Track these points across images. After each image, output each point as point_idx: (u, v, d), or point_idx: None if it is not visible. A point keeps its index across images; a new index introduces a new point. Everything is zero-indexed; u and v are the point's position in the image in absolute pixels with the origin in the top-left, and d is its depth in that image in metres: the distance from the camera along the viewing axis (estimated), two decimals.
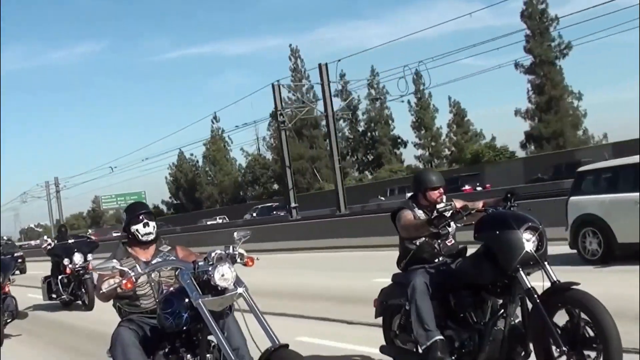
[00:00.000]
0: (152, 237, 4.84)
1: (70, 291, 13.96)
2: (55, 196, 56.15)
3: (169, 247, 4.94)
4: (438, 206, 5.10)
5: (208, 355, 4.20)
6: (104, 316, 5.22)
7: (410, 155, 59.95)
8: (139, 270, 4.18)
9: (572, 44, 43.50)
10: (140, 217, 4.81)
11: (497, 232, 4.73)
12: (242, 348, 4.34)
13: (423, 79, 45.49)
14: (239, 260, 4.20)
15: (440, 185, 5.38)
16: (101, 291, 4.47)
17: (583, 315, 4.47)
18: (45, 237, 18.85)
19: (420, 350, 5.22)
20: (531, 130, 48.47)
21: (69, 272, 13.79)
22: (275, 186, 60.89)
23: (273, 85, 34.84)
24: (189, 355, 4.26)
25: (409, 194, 6.08)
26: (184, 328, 4.17)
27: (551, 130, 46.79)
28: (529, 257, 4.63)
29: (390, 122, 58.20)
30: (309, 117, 46.22)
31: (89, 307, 13.28)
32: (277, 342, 3.85)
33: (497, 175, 39.54)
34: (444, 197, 5.36)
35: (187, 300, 4.03)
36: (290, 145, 38.58)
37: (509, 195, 5.07)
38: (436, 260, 5.31)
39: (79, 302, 13.91)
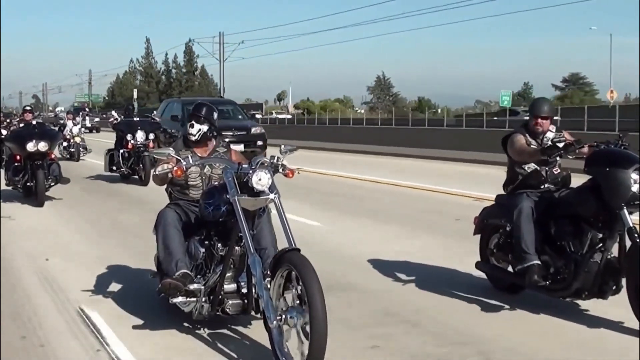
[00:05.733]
0: (193, 138, 5.09)
1: (129, 165, 14.46)
2: None
3: (225, 149, 5.26)
4: (551, 136, 5.31)
5: (237, 247, 4.46)
6: (159, 198, 5.49)
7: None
8: (190, 161, 4.55)
9: None
10: (190, 119, 5.14)
11: (607, 169, 4.79)
12: (269, 249, 4.61)
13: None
14: (280, 170, 4.48)
15: (549, 116, 5.44)
16: (155, 173, 4.86)
17: None
18: (113, 112, 19.57)
19: (514, 270, 5.37)
20: None
21: (130, 147, 14.41)
22: None
23: None
24: (219, 244, 4.59)
25: None
26: (220, 220, 4.52)
27: None
28: (635, 197, 4.71)
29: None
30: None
31: (144, 182, 13.62)
32: (291, 245, 4.13)
33: None
34: (553, 127, 5.47)
35: (226, 195, 4.32)
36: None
37: (620, 134, 5.21)
38: (541, 187, 5.40)
39: (136, 176, 14.32)
